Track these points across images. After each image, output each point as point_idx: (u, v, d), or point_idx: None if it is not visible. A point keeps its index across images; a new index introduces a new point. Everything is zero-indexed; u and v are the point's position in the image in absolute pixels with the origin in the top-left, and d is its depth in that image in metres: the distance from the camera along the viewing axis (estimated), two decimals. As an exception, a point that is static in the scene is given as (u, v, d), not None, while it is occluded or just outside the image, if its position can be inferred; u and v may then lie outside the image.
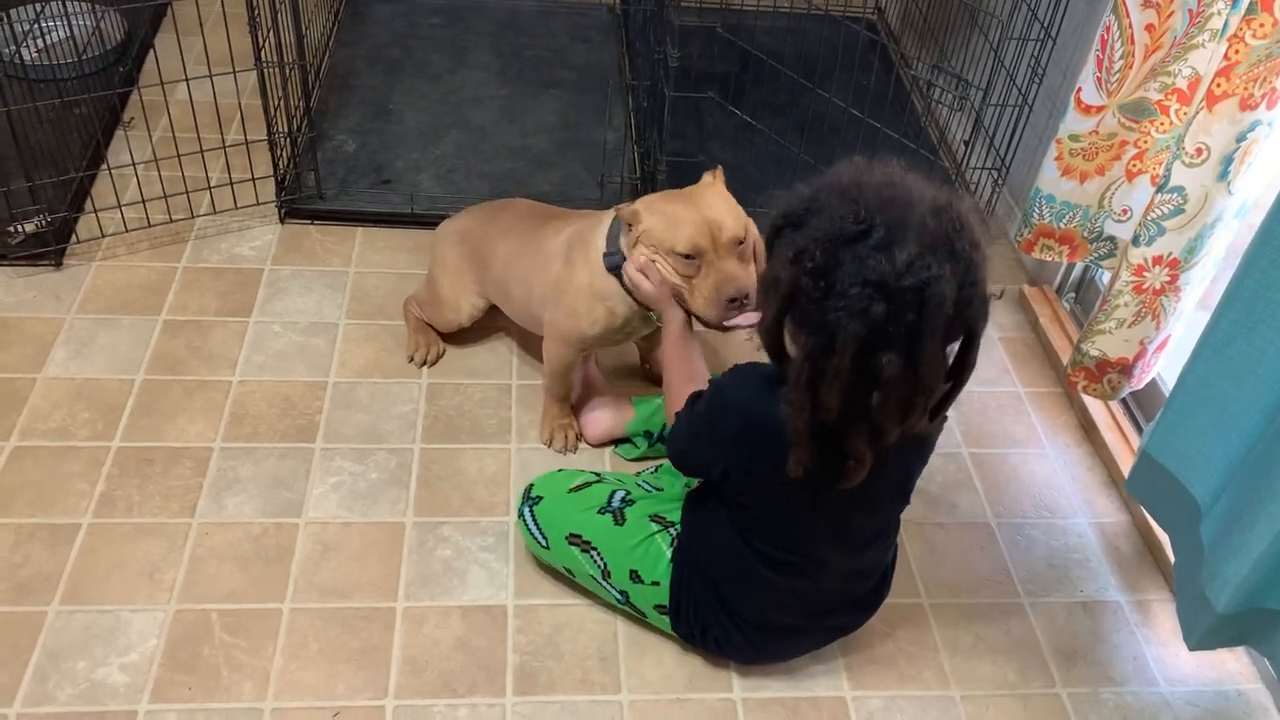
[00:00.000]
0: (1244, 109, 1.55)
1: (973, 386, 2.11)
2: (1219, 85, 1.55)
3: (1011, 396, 2.13)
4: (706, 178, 1.67)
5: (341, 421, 1.91)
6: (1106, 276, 2.14)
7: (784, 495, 1.36)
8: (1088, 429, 2.06)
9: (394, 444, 1.88)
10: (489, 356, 2.07)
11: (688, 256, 1.56)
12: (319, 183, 2.38)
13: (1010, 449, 2.01)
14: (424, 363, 2.01)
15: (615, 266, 1.68)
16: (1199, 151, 1.61)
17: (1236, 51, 1.51)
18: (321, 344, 2.06)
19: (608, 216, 1.75)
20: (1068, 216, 2.08)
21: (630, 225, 1.63)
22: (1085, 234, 2.09)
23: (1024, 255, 2.33)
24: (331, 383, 1.99)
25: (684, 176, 2.44)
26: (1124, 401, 2.11)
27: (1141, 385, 1.92)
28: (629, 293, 1.69)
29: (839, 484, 1.28)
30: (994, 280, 2.44)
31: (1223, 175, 1.62)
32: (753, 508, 1.41)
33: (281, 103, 2.23)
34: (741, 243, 1.58)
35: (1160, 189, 1.67)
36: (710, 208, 1.57)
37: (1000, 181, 2.45)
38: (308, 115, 2.48)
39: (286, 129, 2.28)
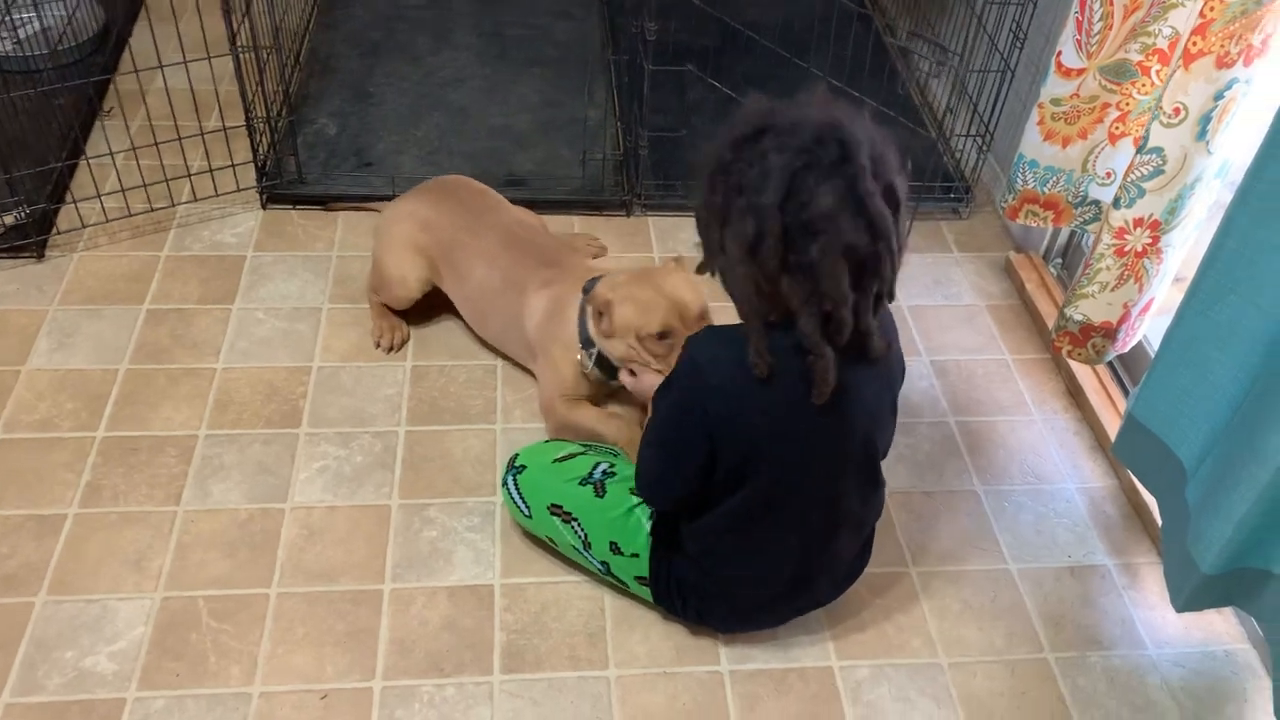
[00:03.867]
0: (1220, 67, 1.54)
1: (959, 354, 2.14)
2: (1195, 43, 1.53)
3: (998, 364, 2.12)
4: (669, 264, 1.75)
5: (326, 406, 1.91)
6: (1092, 241, 2.13)
7: (769, 447, 1.36)
8: (1075, 394, 2.05)
9: (379, 427, 1.88)
10: (473, 339, 2.06)
11: (661, 336, 1.64)
12: (299, 167, 2.37)
13: (997, 416, 2.01)
14: (390, 348, 2.01)
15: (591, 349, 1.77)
16: (1177, 111, 1.59)
17: (1212, 9, 1.50)
18: (305, 329, 2.06)
19: (582, 278, 1.80)
20: (1051, 181, 2.07)
21: (601, 313, 1.69)
22: (1070, 199, 2.08)
23: (1010, 222, 2.32)
24: (315, 367, 1.98)
25: (665, 151, 2.44)
26: (1111, 366, 2.10)
27: (1127, 349, 1.91)
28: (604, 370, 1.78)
29: (814, 397, 1.29)
30: (981, 248, 2.45)
31: (1201, 135, 1.61)
32: (740, 482, 1.41)
33: (259, 88, 2.22)
34: (704, 314, 1.68)
35: (1140, 150, 1.66)
36: (674, 288, 1.68)
37: (985, 148, 2.44)
38: (287, 100, 2.47)
39: (265, 114, 2.27)
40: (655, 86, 2.30)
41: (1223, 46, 1.51)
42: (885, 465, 1.78)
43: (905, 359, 2.00)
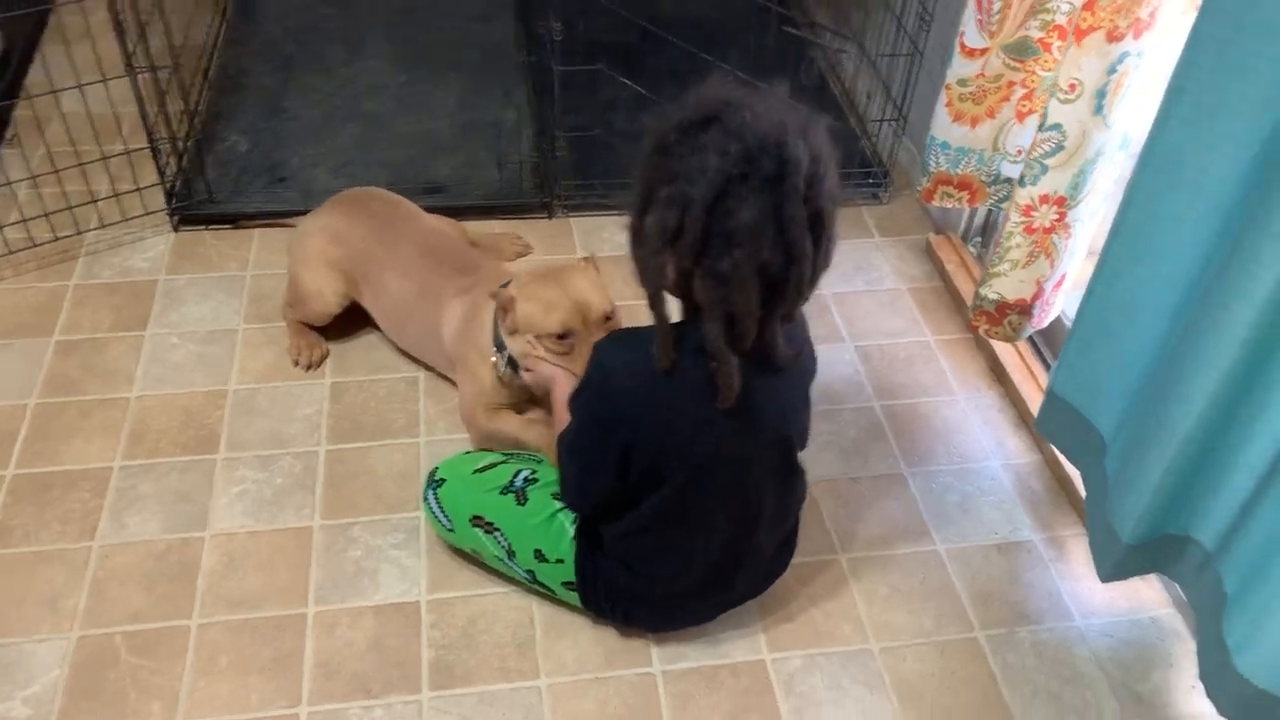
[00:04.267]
0: (1111, 41, 1.55)
1: (882, 338, 2.14)
2: (1085, 19, 1.54)
3: (921, 345, 2.13)
4: (579, 262, 1.74)
5: (244, 429, 1.88)
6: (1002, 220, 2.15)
7: (680, 447, 1.35)
8: (997, 372, 2.07)
9: (299, 447, 1.85)
10: (393, 351, 2.03)
11: (561, 336, 1.63)
12: (209, 187, 2.32)
13: (921, 398, 2.02)
14: (308, 365, 1.98)
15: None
16: (1072, 87, 1.61)
17: (1098, -16, 1.51)
18: (220, 352, 2.02)
19: (497, 283, 1.78)
20: (963, 162, 2.08)
21: (506, 311, 1.68)
22: (983, 178, 2.09)
23: (926, 204, 2.33)
24: (232, 390, 1.95)
25: (584, 151, 2.42)
26: (1032, 341, 2.12)
27: (1044, 324, 1.93)
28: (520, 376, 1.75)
29: (719, 401, 1.28)
30: (901, 232, 2.46)
31: (1098, 109, 1.62)
32: (658, 483, 1.40)
33: (161, 110, 2.17)
34: (610, 318, 1.67)
35: (1040, 128, 1.67)
36: (578, 289, 1.66)
37: (900, 132, 2.45)
38: (194, 119, 2.42)
39: (170, 135, 2.22)
40: (572, 86, 2.28)
41: (1112, 21, 1.53)
42: (810, 453, 1.79)
43: (830, 346, 2.00)
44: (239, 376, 1.97)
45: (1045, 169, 1.69)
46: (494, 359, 1.75)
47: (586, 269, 1.70)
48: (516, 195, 2.40)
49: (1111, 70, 1.57)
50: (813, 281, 1.24)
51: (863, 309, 2.21)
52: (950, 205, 2.16)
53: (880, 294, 2.26)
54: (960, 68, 1.97)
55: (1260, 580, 1.40)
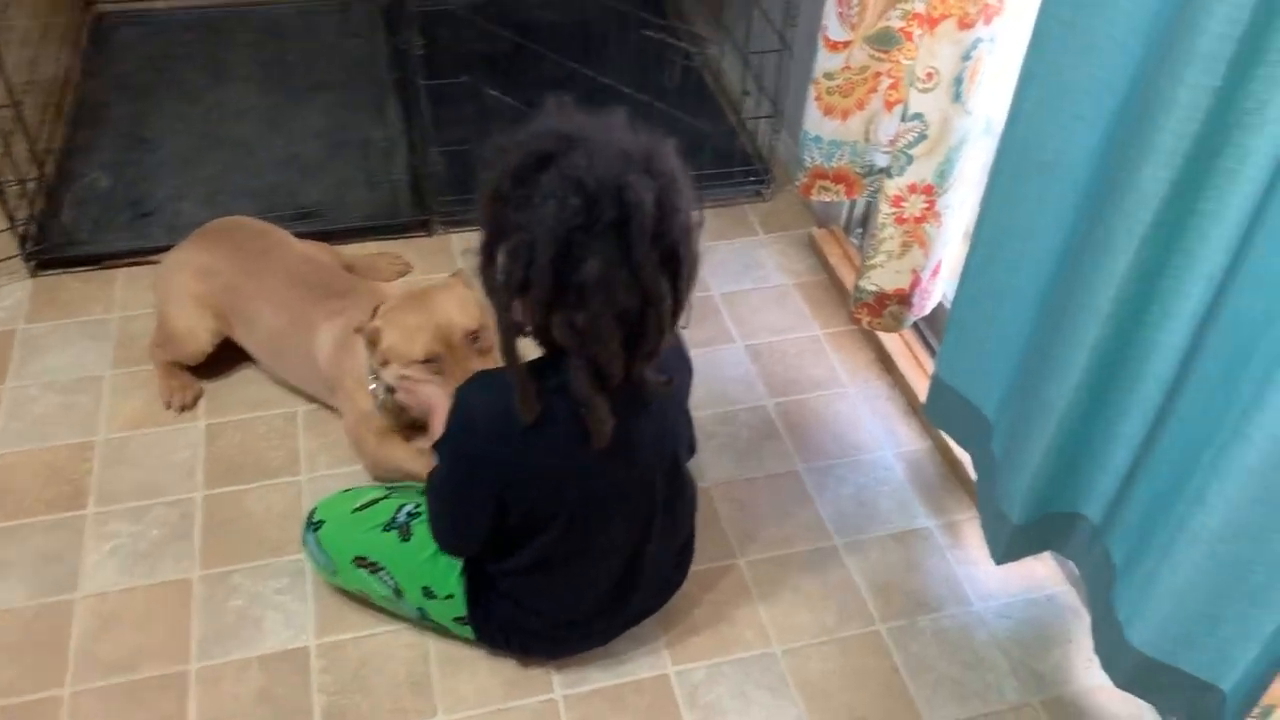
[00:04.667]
0: (962, 28, 1.56)
1: (771, 336, 2.14)
2: (936, 7, 1.55)
3: (810, 340, 2.13)
4: (448, 280, 1.70)
5: (115, 480, 1.79)
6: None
7: (556, 491, 1.32)
8: (885, 362, 2.08)
9: (174, 495, 1.77)
10: (271, 386, 1.96)
11: (428, 361, 1.60)
12: (64, 228, 2.22)
13: (813, 393, 2.02)
14: (181, 407, 1.90)
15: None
16: (929, 76, 1.61)
17: (945, -28, 1.52)
18: (87, 400, 1.92)
19: (371, 306, 1.72)
20: (837, 155, 2.09)
21: (372, 343, 1.63)
22: (858, 170, 2.10)
23: (805, 199, 2.33)
24: (101, 440, 1.85)
25: (461, 165, 2.37)
26: (918, 329, 2.14)
27: (925, 312, 1.94)
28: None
29: (592, 443, 1.25)
30: (785, 227, 2.46)
31: (957, 97, 1.63)
32: (539, 526, 1.36)
33: (6, 150, 2.06)
34: (478, 335, 1.62)
35: (903, 118, 1.67)
36: (442, 311, 1.62)
37: (777, 128, 2.45)
38: (46, 157, 2.31)
39: (17, 178, 2.11)
40: (446, 99, 2.23)
41: (961, 8, 1.54)
42: (705, 457, 1.78)
43: (721, 348, 1.99)
44: (108, 425, 1.88)
45: (911, 159, 1.69)
46: (371, 387, 1.69)
47: (453, 286, 1.66)
48: (393, 214, 2.34)
49: (966, 57, 1.59)
50: (676, 314, 1.21)
51: (751, 307, 2.21)
52: (829, 199, 2.16)
53: (768, 291, 2.25)
54: (826, 61, 1.97)
55: (1143, 550, 1.43)
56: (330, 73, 2.81)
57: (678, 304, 1.20)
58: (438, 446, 1.37)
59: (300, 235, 2.06)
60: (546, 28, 2.48)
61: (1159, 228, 1.27)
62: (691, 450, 1.54)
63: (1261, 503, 1.21)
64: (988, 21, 1.55)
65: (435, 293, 1.64)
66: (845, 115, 2.03)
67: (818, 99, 2.03)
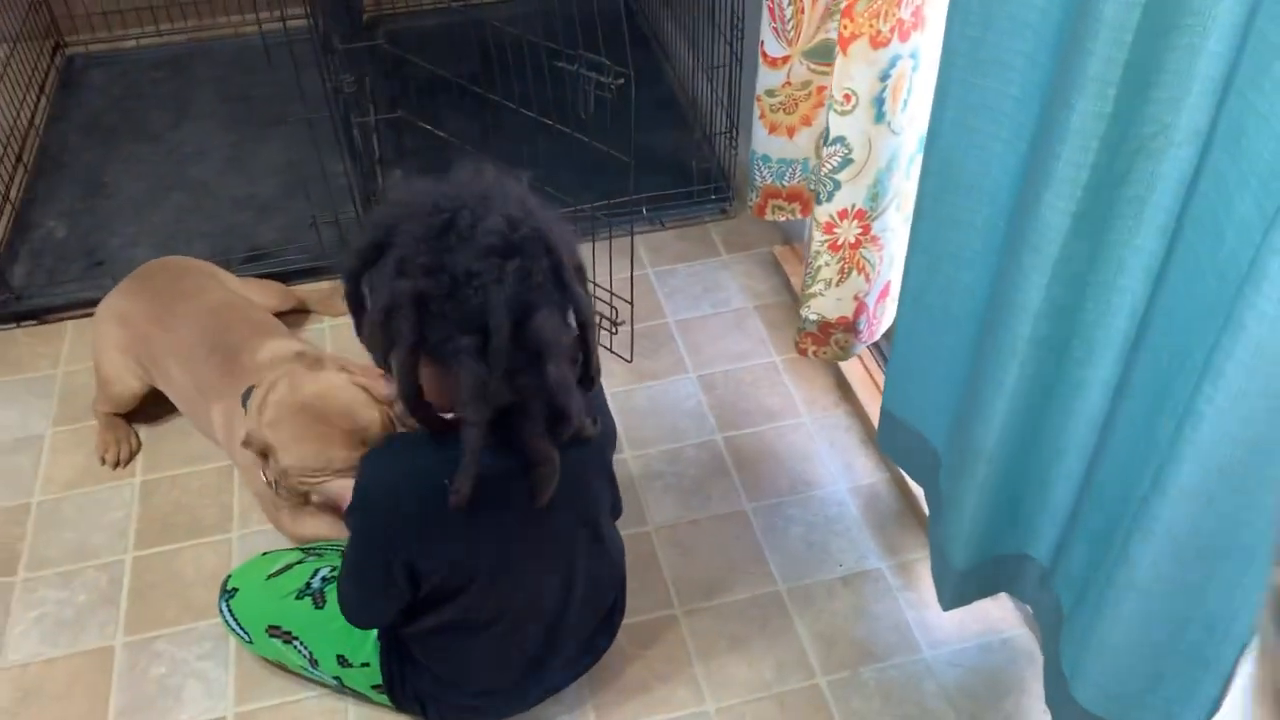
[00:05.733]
0: (876, 47, 1.47)
1: (727, 364, 2.05)
2: (845, 27, 1.46)
3: (767, 368, 2.04)
4: (321, 361, 1.61)
5: (47, 544, 1.77)
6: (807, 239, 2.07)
7: (467, 558, 1.26)
8: (843, 388, 1.99)
9: (104, 558, 1.74)
10: (206, 439, 1.92)
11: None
12: (17, 283, 2.20)
13: (766, 424, 1.93)
14: (117, 462, 1.87)
15: None
16: (847, 98, 1.52)
17: (852, -10, 1.43)
18: (25, 461, 1.90)
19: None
20: (788, 173, 2.00)
21: (264, 458, 1.52)
22: (811, 186, 2.01)
23: (759, 219, 2.24)
24: (36, 503, 1.83)
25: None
26: (878, 351, 2.04)
27: (875, 337, 1.85)
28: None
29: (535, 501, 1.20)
30: (748, 246, 2.37)
31: (879, 118, 1.54)
32: (453, 593, 1.30)
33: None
34: (390, 424, 1.52)
35: (825, 143, 1.59)
36: (346, 409, 1.49)
37: (734, 145, 2.37)
38: (3, 208, 2.30)
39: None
40: (409, 130, 2.16)
41: (872, 26, 1.45)
42: (650, 498, 1.73)
43: (671, 381, 1.92)
44: (44, 487, 1.86)
45: (838, 184, 1.60)
46: (268, 482, 1.59)
47: (339, 382, 1.52)
48: (341, 253, 2.29)
49: (884, 76, 1.49)
50: (565, 399, 1.14)
51: (709, 334, 2.13)
52: (783, 218, 2.08)
53: (727, 315, 2.17)
54: (766, 78, 1.89)
55: (1084, 600, 1.33)
56: (293, 106, 2.76)
57: (558, 395, 1.13)
58: (345, 517, 1.31)
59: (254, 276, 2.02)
60: (468, 61, 2.39)
61: (1067, 261, 1.18)
62: (616, 513, 1.47)
63: (1184, 561, 1.11)
64: (904, 39, 1.46)
65: (327, 391, 1.51)
66: (791, 132, 1.95)
67: (762, 117, 1.95)
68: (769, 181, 2.03)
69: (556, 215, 1.14)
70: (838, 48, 1.48)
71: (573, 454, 1.25)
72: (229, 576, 1.56)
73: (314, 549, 1.59)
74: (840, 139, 1.56)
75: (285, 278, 2.20)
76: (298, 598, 1.48)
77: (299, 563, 1.53)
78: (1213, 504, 1.05)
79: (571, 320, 1.14)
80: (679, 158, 2.50)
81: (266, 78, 2.88)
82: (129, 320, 1.83)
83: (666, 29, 2.87)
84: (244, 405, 1.58)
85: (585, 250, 2.01)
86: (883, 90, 1.51)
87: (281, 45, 2.63)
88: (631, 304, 2.00)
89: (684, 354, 2.08)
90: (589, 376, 1.20)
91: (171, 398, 1.86)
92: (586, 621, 1.45)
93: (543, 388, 1.12)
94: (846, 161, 1.58)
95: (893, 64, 1.48)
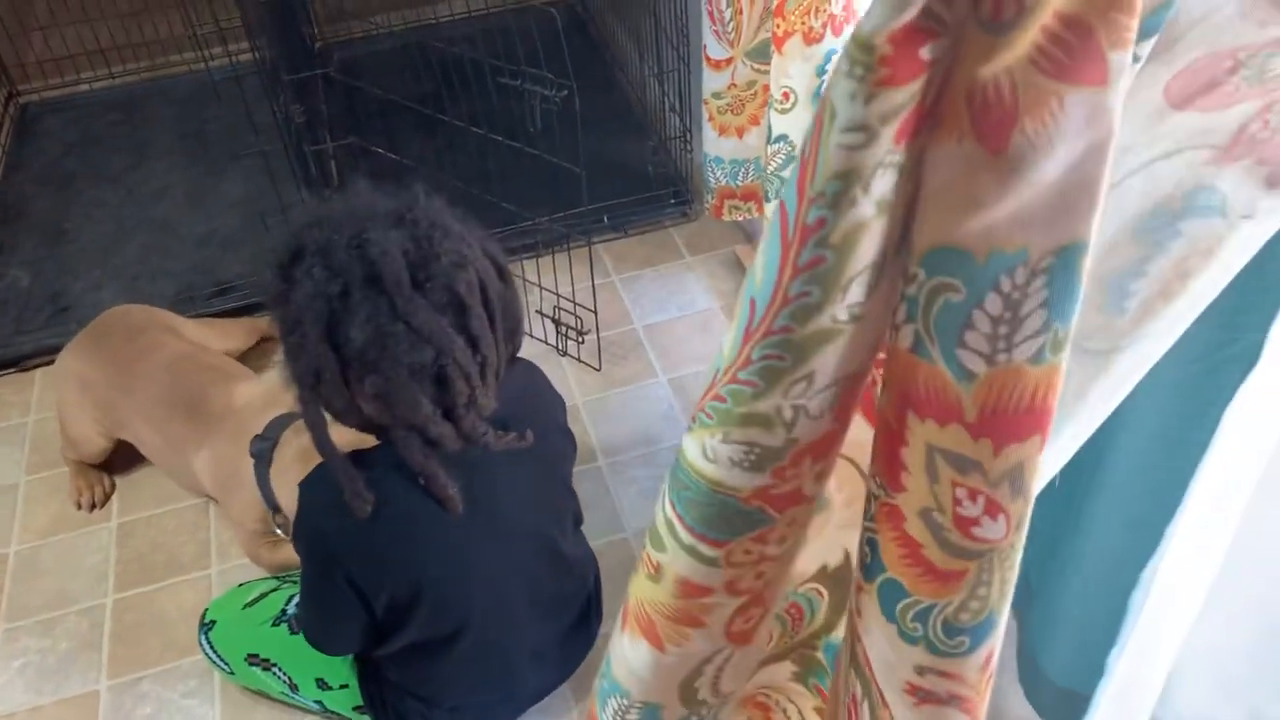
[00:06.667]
0: (810, 43, 1.49)
1: (698, 365, 2.07)
2: (778, 25, 1.48)
3: (735, 367, 2.06)
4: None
5: (26, 593, 1.76)
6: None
7: (417, 575, 1.26)
8: (810, 381, 2.00)
9: (84, 603, 1.74)
10: (181, 477, 1.93)
11: None
12: (-21, 335, 2.21)
13: (737, 423, 1.94)
14: (91, 506, 1.87)
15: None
16: (786, 96, 1.54)
17: (783, -11, 1.45)
18: (2, 513, 1.90)
19: (235, 429, 1.65)
20: (741, 173, 2.02)
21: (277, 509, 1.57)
22: (766, 185, 2.03)
23: (717, 220, 2.26)
24: (14, 552, 1.83)
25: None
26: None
27: (837, 329, 1.86)
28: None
29: (449, 512, 1.20)
30: (712, 247, 2.39)
31: (820, 112, 1.56)
32: (409, 610, 1.31)
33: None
34: None
35: (769, 141, 1.60)
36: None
37: (689, 148, 2.39)
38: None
39: (-78, 290, 2.10)
40: (349, 161, 2.17)
41: (804, 23, 1.47)
42: (628, 505, 1.72)
43: (642, 386, 1.93)
44: (20, 536, 1.86)
45: (785, 181, 1.62)
46: (269, 521, 1.62)
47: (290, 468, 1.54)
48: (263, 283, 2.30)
49: (821, 71, 1.51)
50: (486, 358, 1.15)
51: (676, 337, 2.14)
52: (741, 218, 2.10)
53: (694, 318, 2.19)
54: (711, 81, 1.91)
55: (1045, 571, 1.35)
56: (248, 139, 2.77)
57: (480, 347, 1.14)
58: (294, 547, 1.32)
59: (220, 313, 2.02)
60: (415, 84, 2.40)
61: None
62: (577, 522, 1.48)
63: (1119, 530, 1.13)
64: (837, 33, 1.48)
65: (359, 443, 1.52)
66: (741, 132, 1.97)
67: (710, 119, 1.97)
68: (723, 182, 2.05)
69: (472, 234, 1.15)
70: (772, 46, 1.50)
71: (518, 468, 1.27)
72: (207, 610, 1.56)
73: (288, 576, 1.60)
74: (783, 137, 1.58)
75: (254, 309, 2.20)
76: (274, 625, 1.49)
77: (273, 590, 1.54)
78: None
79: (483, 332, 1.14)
80: (637, 164, 2.51)
81: (221, 112, 2.89)
82: (90, 386, 1.81)
83: (618, 37, 2.89)
84: (253, 453, 1.58)
85: (546, 263, 2.04)
86: (820, 86, 1.53)
87: (231, 80, 2.65)
88: (595, 312, 2.01)
89: (653, 358, 2.09)
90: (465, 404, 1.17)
91: (146, 455, 1.86)
92: (557, 632, 1.46)
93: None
94: (790, 158, 1.60)
95: (828, 59, 1.50)
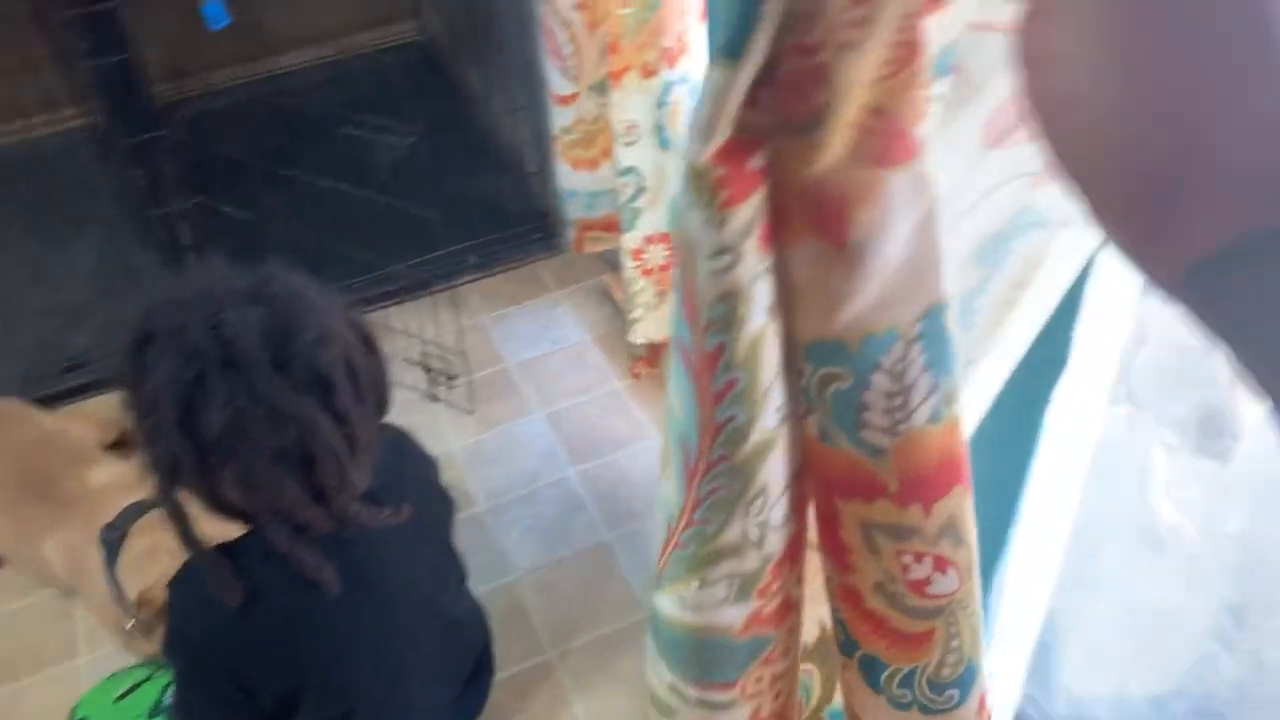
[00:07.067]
0: (647, 76, 1.51)
1: (572, 399, 2.07)
2: (615, 61, 1.50)
3: (611, 395, 2.07)
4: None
5: (-124, 712, 1.65)
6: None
7: (301, 667, 1.22)
8: (685, 404, 2.02)
9: (-58, 714, 1.64)
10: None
11: None
12: None
13: (618, 451, 1.95)
14: None
15: None
16: (629, 129, 1.56)
17: (615, 25, 1.47)
18: None
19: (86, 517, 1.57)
20: (598, 205, 2.04)
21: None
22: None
23: (578, 253, 2.26)
24: None
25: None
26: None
27: (705, 351, 1.89)
28: None
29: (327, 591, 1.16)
30: (579, 279, 2.39)
31: (664, 144, 1.58)
32: (291, 701, 1.26)
33: None
34: None
35: (617, 174, 1.62)
36: None
37: (547, 184, 2.39)
38: None
39: None
40: (205, 218, 2.11)
41: (640, 58, 1.49)
42: (511, 544, 1.72)
43: (518, 423, 1.91)
44: None
45: (638, 211, 1.64)
46: (126, 625, 1.54)
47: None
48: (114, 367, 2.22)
49: (661, 104, 1.54)
50: (353, 436, 1.13)
51: (551, 371, 2.14)
52: (604, 248, 2.11)
53: (566, 351, 2.19)
54: (560, 117, 1.92)
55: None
56: (95, 205, 2.68)
57: (348, 422, 1.11)
58: (164, 653, 1.26)
59: (73, 390, 1.96)
60: (266, 142, 2.37)
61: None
62: (462, 580, 1.46)
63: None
64: (672, 65, 1.51)
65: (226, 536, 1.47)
66: (594, 165, 1.98)
67: (563, 154, 1.98)
68: (582, 215, 2.06)
69: (335, 305, 1.12)
70: (609, 82, 1.52)
71: (398, 540, 1.24)
72: (77, 705, 1.48)
73: (160, 663, 1.53)
74: (631, 169, 1.60)
75: (111, 384, 2.11)
76: (150, 717, 1.42)
77: (146, 680, 1.48)
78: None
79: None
80: (498, 201, 2.51)
81: (61, 179, 2.78)
82: None
83: (471, 76, 2.88)
84: (102, 542, 1.51)
85: (412, 309, 2.02)
86: (662, 117, 1.55)
87: (68, 147, 2.56)
88: (464, 354, 1.99)
89: (528, 395, 2.09)
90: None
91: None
92: (451, 694, 1.43)
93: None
94: (640, 190, 1.62)
95: (667, 90, 1.53)
